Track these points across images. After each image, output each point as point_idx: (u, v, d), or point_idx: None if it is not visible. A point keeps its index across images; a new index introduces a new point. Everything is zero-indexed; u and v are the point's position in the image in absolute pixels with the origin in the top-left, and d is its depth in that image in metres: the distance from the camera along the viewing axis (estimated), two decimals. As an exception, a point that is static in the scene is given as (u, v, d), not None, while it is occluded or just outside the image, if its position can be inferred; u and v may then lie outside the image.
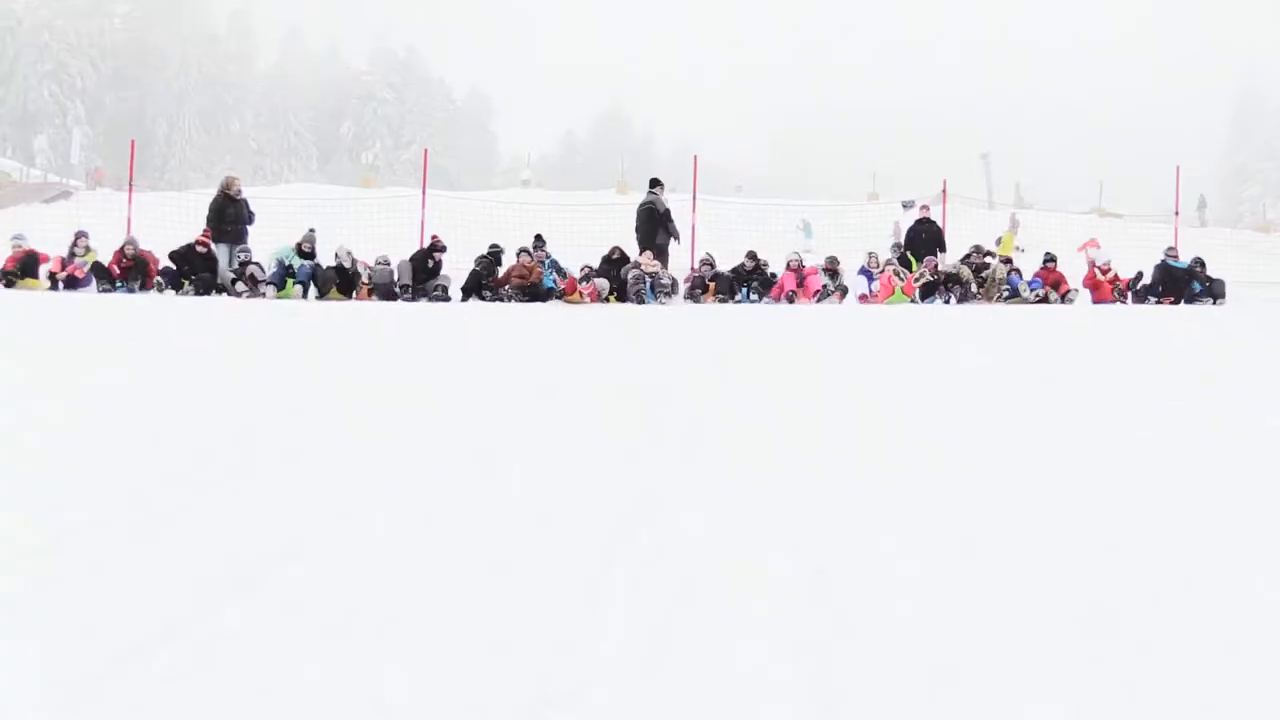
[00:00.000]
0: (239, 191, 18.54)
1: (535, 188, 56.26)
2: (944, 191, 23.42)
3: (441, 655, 2.41)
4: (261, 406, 6.09)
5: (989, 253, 19.33)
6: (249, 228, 18.34)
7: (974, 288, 18.00)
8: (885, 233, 26.06)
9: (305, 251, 17.30)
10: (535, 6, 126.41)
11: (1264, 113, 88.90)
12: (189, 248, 17.48)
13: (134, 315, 13.32)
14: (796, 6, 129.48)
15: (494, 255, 18.38)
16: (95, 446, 4.99)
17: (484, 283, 17.53)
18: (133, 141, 23.70)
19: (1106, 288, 18.19)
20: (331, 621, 2.59)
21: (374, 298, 17.10)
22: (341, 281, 17.33)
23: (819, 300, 17.19)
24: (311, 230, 17.90)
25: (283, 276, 16.90)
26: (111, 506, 3.76)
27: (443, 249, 17.89)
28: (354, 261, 17.57)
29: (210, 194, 19.28)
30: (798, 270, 17.71)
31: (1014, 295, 17.91)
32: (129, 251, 17.28)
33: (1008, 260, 19.33)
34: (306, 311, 14.54)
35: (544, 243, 18.95)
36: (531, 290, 16.96)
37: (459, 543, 3.38)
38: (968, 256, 18.77)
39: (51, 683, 2.19)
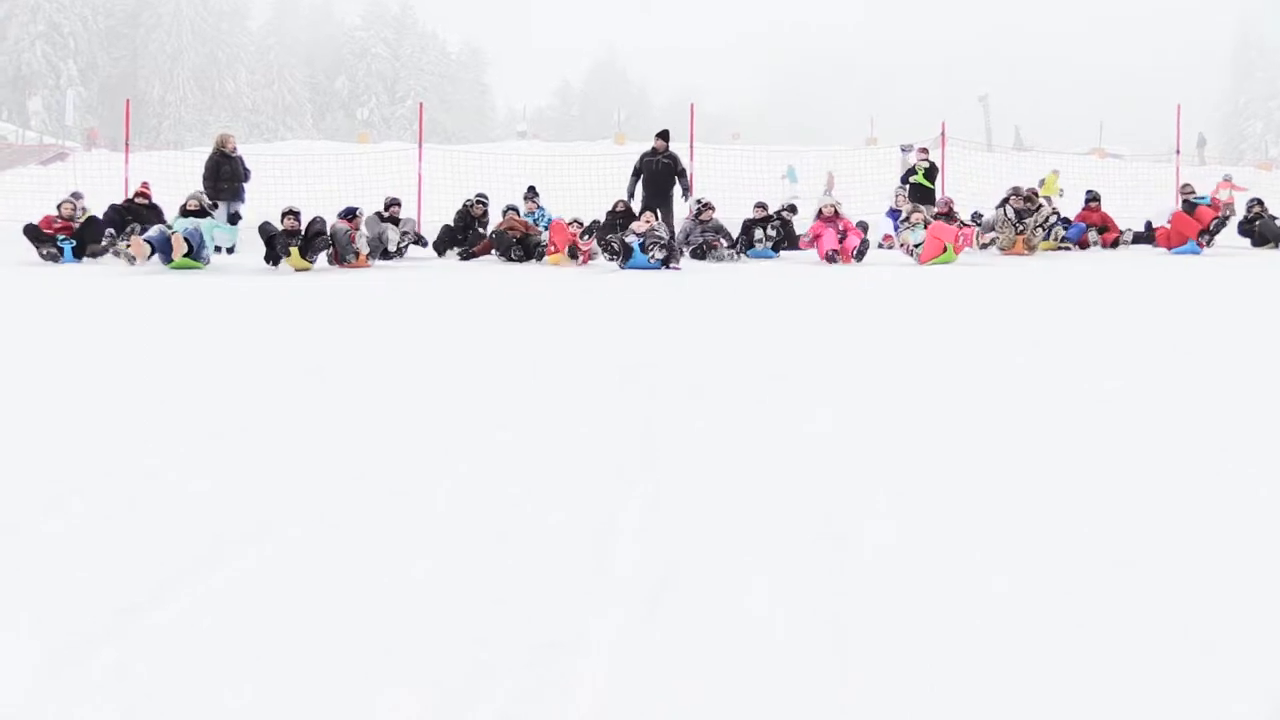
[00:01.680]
0: (234, 149, 18.42)
1: (533, 139, 56.02)
2: (943, 134, 23.30)
3: (445, 603, 2.43)
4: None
5: (1031, 194, 17.35)
6: (245, 185, 18.25)
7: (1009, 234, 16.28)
8: (886, 177, 25.94)
9: (191, 210, 14.55)
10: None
11: (1265, 49, 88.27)
12: (130, 200, 17.32)
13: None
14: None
15: (473, 205, 17.45)
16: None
17: (459, 239, 16.69)
18: (128, 101, 23.63)
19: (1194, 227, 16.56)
20: (333, 578, 2.60)
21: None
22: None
23: (858, 258, 14.74)
24: (201, 190, 16.37)
25: (166, 239, 13.67)
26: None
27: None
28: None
29: (206, 152, 19.18)
30: (833, 220, 15.14)
31: (1056, 240, 16.97)
32: (65, 211, 15.61)
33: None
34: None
35: (536, 194, 18.43)
36: (521, 246, 15.69)
37: (459, 496, 3.38)
38: (1006, 200, 16.86)
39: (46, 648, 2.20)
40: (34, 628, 2.31)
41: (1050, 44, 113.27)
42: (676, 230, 16.23)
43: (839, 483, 3.46)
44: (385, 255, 15.00)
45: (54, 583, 2.57)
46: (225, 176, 17.89)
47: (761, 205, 16.67)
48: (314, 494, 3.36)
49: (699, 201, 16.55)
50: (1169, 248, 16.68)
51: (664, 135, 17.95)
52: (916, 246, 14.90)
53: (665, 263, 13.53)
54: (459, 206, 17.48)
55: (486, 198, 17.78)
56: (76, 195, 17.86)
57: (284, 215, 14.31)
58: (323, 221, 13.88)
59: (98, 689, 2.03)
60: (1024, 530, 2.95)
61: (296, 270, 13.36)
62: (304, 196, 23.00)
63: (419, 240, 16.49)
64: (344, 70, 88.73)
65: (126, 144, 21.65)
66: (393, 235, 15.11)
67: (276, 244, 13.62)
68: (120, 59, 78.26)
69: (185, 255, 13.61)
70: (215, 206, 16.63)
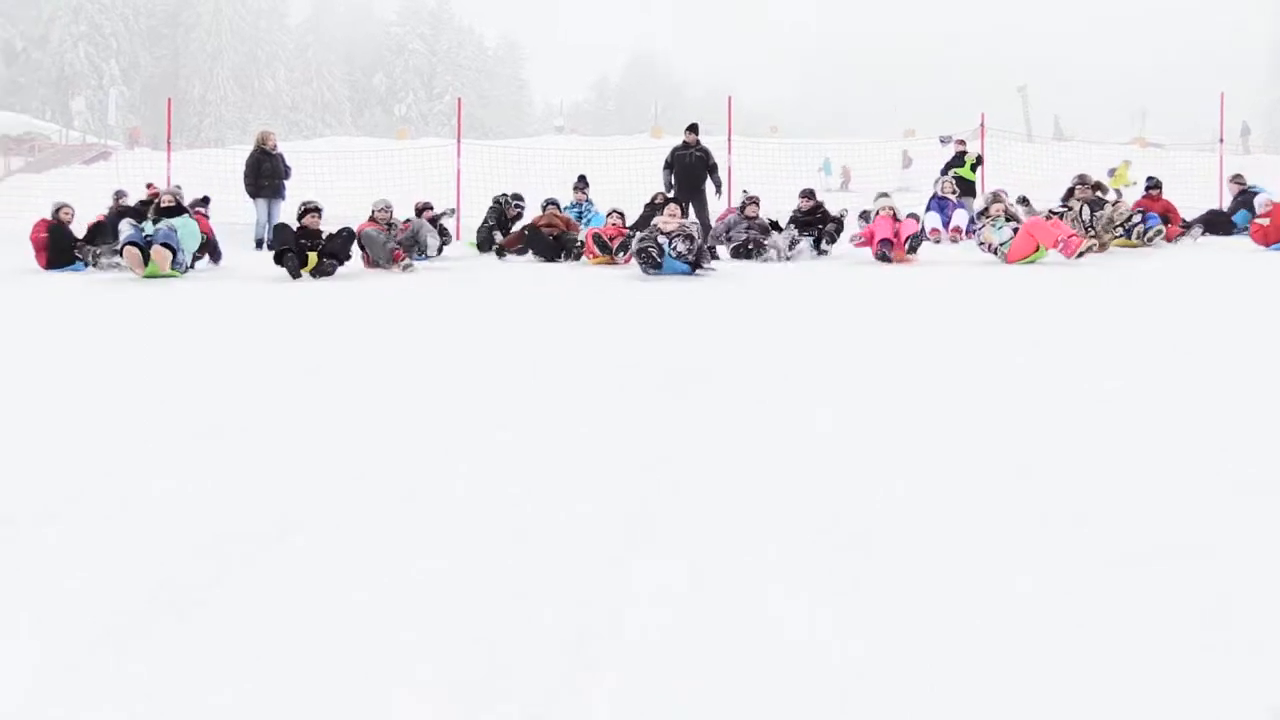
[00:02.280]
0: (275, 146, 18.53)
1: (570, 134, 56.06)
2: (982, 125, 23.14)
3: (473, 601, 2.45)
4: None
5: (1097, 185, 15.85)
6: (286, 182, 18.37)
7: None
8: (927, 169, 25.77)
9: (166, 208, 12.66)
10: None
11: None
12: (143, 203, 15.89)
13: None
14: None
15: (507, 204, 16.89)
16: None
17: (493, 236, 15.91)
18: (169, 100, 23.86)
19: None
20: (357, 574, 2.63)
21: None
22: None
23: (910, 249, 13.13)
24: (178, 186, 15.26)
25: (145, 242, 11.90)
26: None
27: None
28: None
29: (246, 150, 19.31)
30: (892, 218, 13.45)
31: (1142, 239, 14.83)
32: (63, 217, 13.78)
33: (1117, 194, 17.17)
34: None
35: (586, 184, 18.31)
36: (557, 244, 14.45)
37: (485, 490, 3.39)
38: (1071, 192, 15.18)
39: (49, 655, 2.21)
40: (36, 629, 2.33)
41: (1089, 33, 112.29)
42: (712, 223, 16.12)
43: (852, 482, 3.46)
44: (423, 256, 13.63)
45: (55, 585, 2.58)
46: (266, 174, 18.02)
47: (807, 194, 15.54)
48: (318, 495, 3.36)
49: (744, 193, 15.44)
50: (1266, 244, 14.69)
51: (694, 128, 17.81)
52: (1002, 245, 12.67)
53: (695, 265, 11.54)
54: (490, 204, 17.01)
55: (522, 199, 17.48)
56: (120, 193, 18.10)
57: (304, 213, 12.39)
58: (349, 234, 12.17)
59: (102, 692, 2.05)
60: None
61: (315, 277, 11.67)
62: (342, 192, 23.26)
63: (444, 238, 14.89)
64: (382, 67, 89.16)
65: (169, 142, 21.87)
66: (432, 241, 13.79)
67: (285, 261, 11.56)
68: (161, 58, 78.96)
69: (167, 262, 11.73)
70: (197, 206, 15.33)
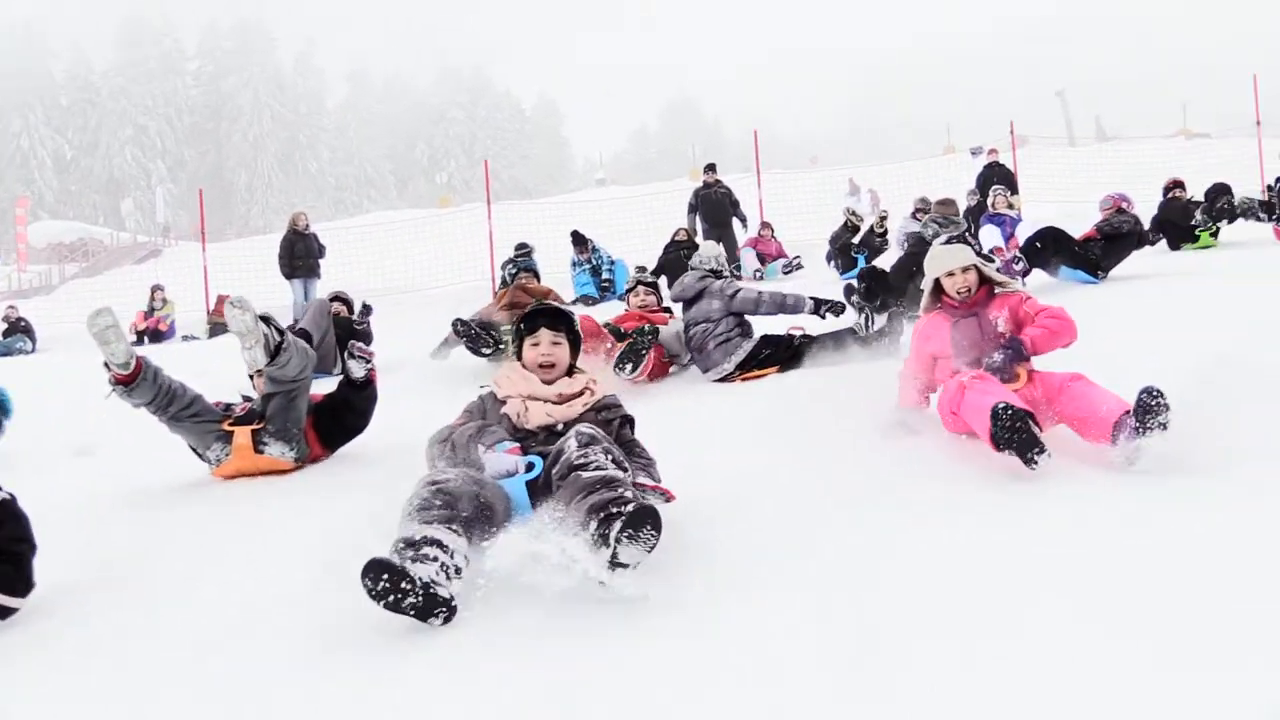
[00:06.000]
0: (307, 226, 18.62)
1: (611, 185, 56.23)
2: (1011, 133, 22.87)
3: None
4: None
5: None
6: (321, 261, 18.44)
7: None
8: (957, 183, 25.50)
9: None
10: (595, 11, 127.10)
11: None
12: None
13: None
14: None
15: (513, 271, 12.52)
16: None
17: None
18: (200, 191, 24.15)
19: None
20: None
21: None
22: None
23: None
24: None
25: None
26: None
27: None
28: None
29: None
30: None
31: None
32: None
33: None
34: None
35: (584, 241, 16.81)
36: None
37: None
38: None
39: None
40: None
41: (1125, 32, 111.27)
42: (742, 253, 16.13)
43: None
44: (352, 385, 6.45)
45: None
46: (300, 254, 18.09)
47: (853, 214, 15.16)
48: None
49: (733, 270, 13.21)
50: None
51: (711, 168, 18.13)
52: None
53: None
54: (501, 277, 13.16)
55: (528, 252, 14.02)
56: (157, 288, 18.34)
57: (332, 299, 11.13)
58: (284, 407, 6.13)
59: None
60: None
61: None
62: (378, 266, 23.39)
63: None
64: (422, 137, 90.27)
65: (203, 234, 22.08)
66: (356, 367, 6.43)
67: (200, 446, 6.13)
68: (206, 152, 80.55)
69: None
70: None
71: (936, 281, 5.46)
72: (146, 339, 17.54)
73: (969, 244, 5.49)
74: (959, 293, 5.35)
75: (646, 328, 7.83)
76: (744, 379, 7.77)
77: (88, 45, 78.36)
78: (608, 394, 4.72)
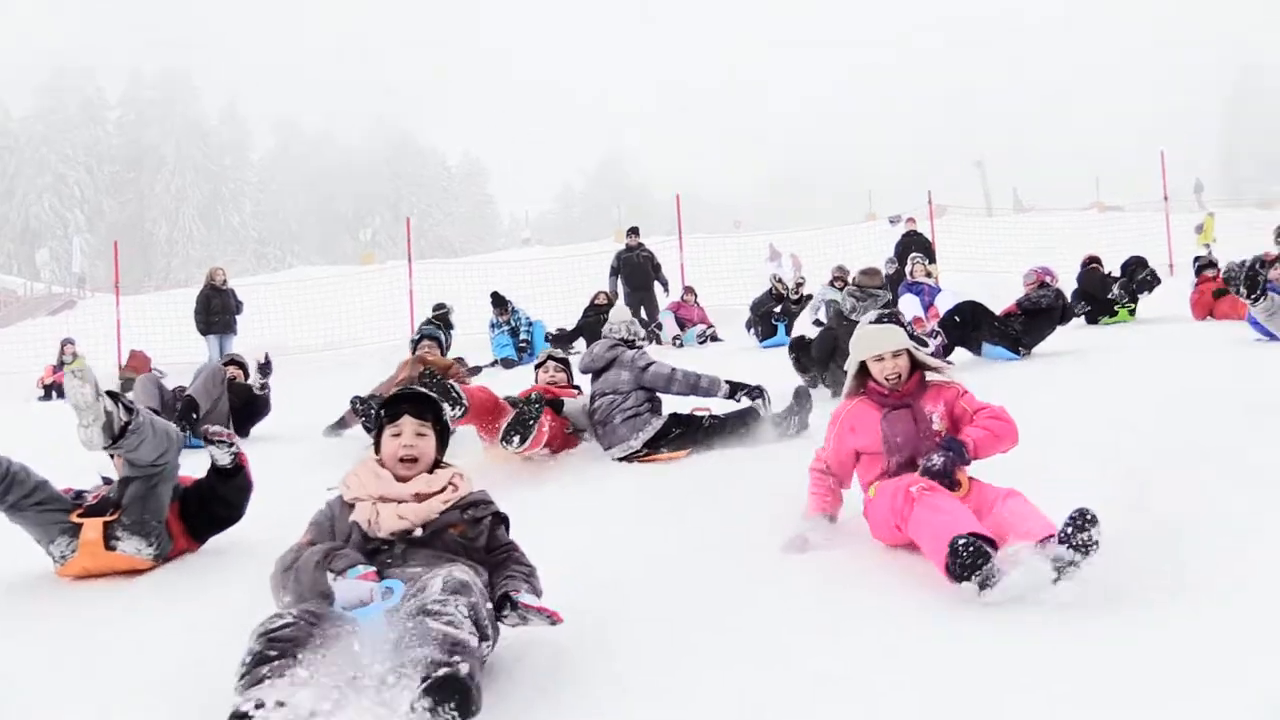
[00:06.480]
0: (225, 281, 18.47)
1: (536, 245, 56.30)
2: (929, 202, 23.29)
3: None
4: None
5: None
6: (238, 317, 18.26)
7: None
8: (877, 250, 25.85)
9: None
10: (523, 67, 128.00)
11: (1261, 89, 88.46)
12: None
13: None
14: (777, 33, 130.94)
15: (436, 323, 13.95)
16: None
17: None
18: (115, 243, 23.77)
19: None
20: None
21: None
22: None
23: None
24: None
25: None
26: None
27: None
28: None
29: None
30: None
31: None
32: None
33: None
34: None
35: (503, 303, 16.56)
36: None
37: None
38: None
39: None
40: None
41: (1042, 105, 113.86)
42: (663, 316, 16.22)
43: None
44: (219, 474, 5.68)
45: None
46: (216, 310, 17.95)
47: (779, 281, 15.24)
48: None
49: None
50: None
51: (634, 231, 18.33)
52: None
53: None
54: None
55: (445, 306, 15.99)
56: (67, 342, 18.01)
57: (227, 364, 10.52)
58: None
59: None
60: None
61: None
62: (297, 323, 23.15)
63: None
64: (347, 193, 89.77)
65: (117, 286, 21.76)
66: (219, 454, 5.62)
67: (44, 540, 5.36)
68: (126, 202, 79.41)
69: None
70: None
71: (863, 364, 4.99)
72: (55, 394, 17.15)
73: (900, 323, 5.02)
74: (888, 379, 4.89)
75: (534, 396, 7.07)
76: (650, 459, 7.28)
77: (5, 92, 77.15)
78: (475, 490, 4.12)
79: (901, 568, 4.29)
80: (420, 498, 3.92)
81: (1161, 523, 4.42)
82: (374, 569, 3.58)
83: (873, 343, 4.94)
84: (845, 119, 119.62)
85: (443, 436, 4.21)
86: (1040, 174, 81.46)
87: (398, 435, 4.06)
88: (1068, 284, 12.93)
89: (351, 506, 3.93)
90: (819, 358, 9.53)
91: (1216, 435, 6.03)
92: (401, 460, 4.01)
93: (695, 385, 7.52)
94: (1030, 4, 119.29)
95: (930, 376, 4.98)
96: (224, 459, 5.49)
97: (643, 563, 4.69)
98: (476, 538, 3.92)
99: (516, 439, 6.79)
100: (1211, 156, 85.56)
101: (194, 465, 5.70)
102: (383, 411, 4.18)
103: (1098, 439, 6.12)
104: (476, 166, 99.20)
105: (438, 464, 4.13)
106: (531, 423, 6.82)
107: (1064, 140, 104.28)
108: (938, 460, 4.50)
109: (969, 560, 3.77)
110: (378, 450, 4.13)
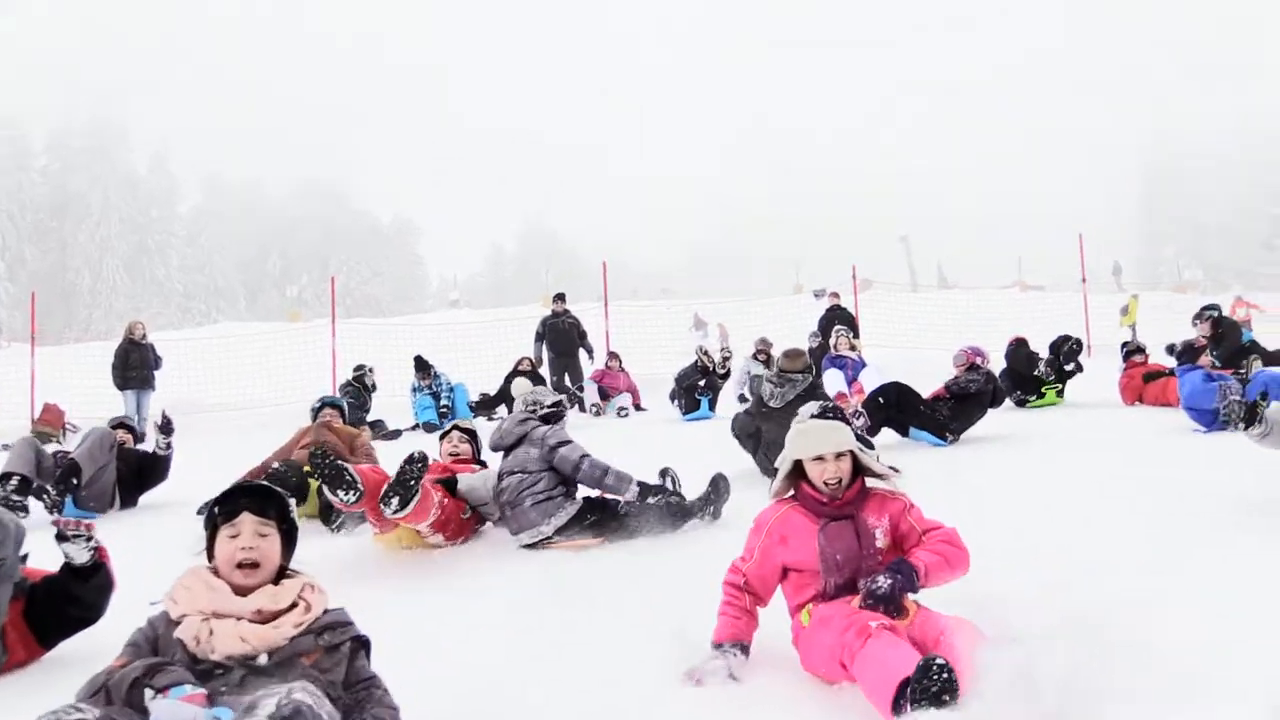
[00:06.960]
0: (144, 335, 18.23)
1: (464, 307, 56.24)
2: (854, 276, 23.63)
3: None
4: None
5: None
6: (156, 372, 18.00)
7: None
8: (801, 322, 26.09)
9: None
10: (456, 130, 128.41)
11: (1177, 173, 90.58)
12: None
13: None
14: (714, 111, 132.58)
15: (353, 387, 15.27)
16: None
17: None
18: (33, 293, 23.45)
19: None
20: None
21: None
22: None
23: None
24: None
25: None
26: None
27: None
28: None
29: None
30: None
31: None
32: None
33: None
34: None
35: (426, 367, 16.62)
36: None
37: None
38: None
39: None
40: None
41: (965, 177, 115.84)
42: (586, 385, 16.21)
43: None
44: (75, 573, 4.82)
45: None
46: (134, 364, 17.70)
47: (704, 352, 15.29)
48: None
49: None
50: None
51: (561, 297, 18.47)
52: None
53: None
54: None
55: (362, 375, 16.43)
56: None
57: (114, 426, 9.95)
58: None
59: None
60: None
61: None
62: (218, 380, 22.86)
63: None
64: (275, 249, 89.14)
65: (32, 337, 21.41)
66: (75, 551, 4.71)
67: None
68: (49, 251, 78.08)
69: None
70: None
71: (798, 463, 4.28)
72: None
73: (844, 419, 5.18)
74: (828, 484, 4.17)
75: (416, 453, 6.18)
76: (560, 547, 6.80)
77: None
78: (332, 607, 3.48)
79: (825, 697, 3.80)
80: (263, 615, 3.33)
81: (1085, 616, 4.35)
82: (204, 691, 3.03)
83: (813, 441, 4.25)
84: (774, 192, 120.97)
85: (289, 537, 3.62)
86: (964, 250, 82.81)
87: (235, 536, 3.46)
88: (997, 362, 13.01)
89: (177, 623, 3.31)
90: (741, 442, 9.24)
91: (1149, 523, 6.11)
92: (239, 566, 3.41)
93: (600, 480, 6.96)
94: (960, 78, 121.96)
95: (872, 483, 4.28)
96: (81, 557, 4.64)
97: (546, 679, 4.27)
98: (332, 668, 3.32)
99: (396, 500, 6.03)
100: (1133, 235, 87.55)
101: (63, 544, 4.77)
102: (216, 509, 3.56)
103: (1028, 523, 6.15)
104: (408, 226, 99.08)
105: (283, 571, 3.54)
106: (413, 482, 6.07)
107: (987, 218, 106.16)
108: (884, 583, 3.86)
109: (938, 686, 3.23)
110: (211, 556, 3.52)
